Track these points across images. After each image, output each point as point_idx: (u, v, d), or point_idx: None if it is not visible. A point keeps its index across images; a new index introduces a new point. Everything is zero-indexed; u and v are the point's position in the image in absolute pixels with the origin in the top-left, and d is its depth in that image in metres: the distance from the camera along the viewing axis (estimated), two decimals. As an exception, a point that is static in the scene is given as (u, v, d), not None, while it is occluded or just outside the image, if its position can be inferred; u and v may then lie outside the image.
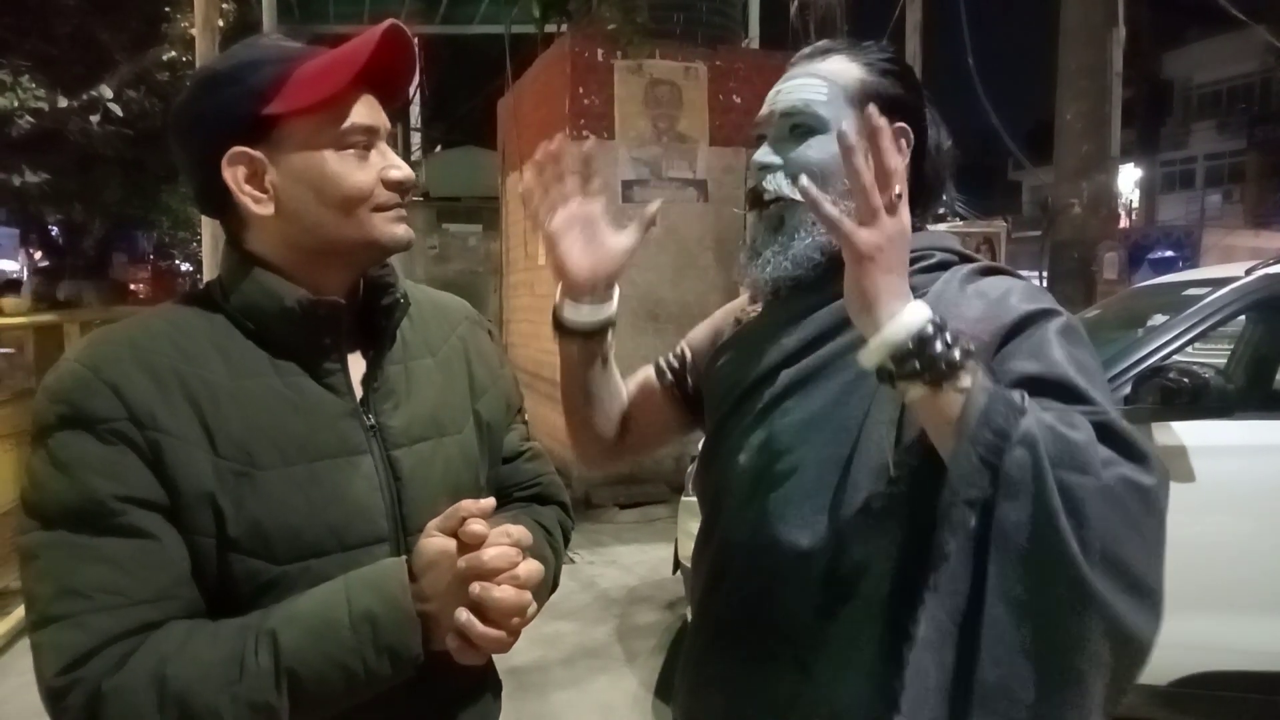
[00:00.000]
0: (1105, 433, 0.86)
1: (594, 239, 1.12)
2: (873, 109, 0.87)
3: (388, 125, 0.97)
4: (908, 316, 0.86)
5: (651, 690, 3.49)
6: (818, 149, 1.06)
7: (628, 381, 1.32)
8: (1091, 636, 0.82)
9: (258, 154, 0.92)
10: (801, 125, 1.07)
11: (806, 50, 1.14)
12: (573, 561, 4.93)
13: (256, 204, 0.93)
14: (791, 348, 1.08)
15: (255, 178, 0.92)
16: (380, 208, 0.95)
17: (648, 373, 1.32)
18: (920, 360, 0.85)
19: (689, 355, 1.29)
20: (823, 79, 1.08)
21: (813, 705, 1.00)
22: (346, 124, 0.92)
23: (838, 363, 1.04)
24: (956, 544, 0.85)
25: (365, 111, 0.94)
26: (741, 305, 1.26)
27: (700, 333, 1.31)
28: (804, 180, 0.87)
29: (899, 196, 0.85)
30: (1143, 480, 0.84)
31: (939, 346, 0.85)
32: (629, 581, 4.74)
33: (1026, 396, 0.86)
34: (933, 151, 1.12)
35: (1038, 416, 0.84)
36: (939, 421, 0.88)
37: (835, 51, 1.11)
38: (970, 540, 0.84)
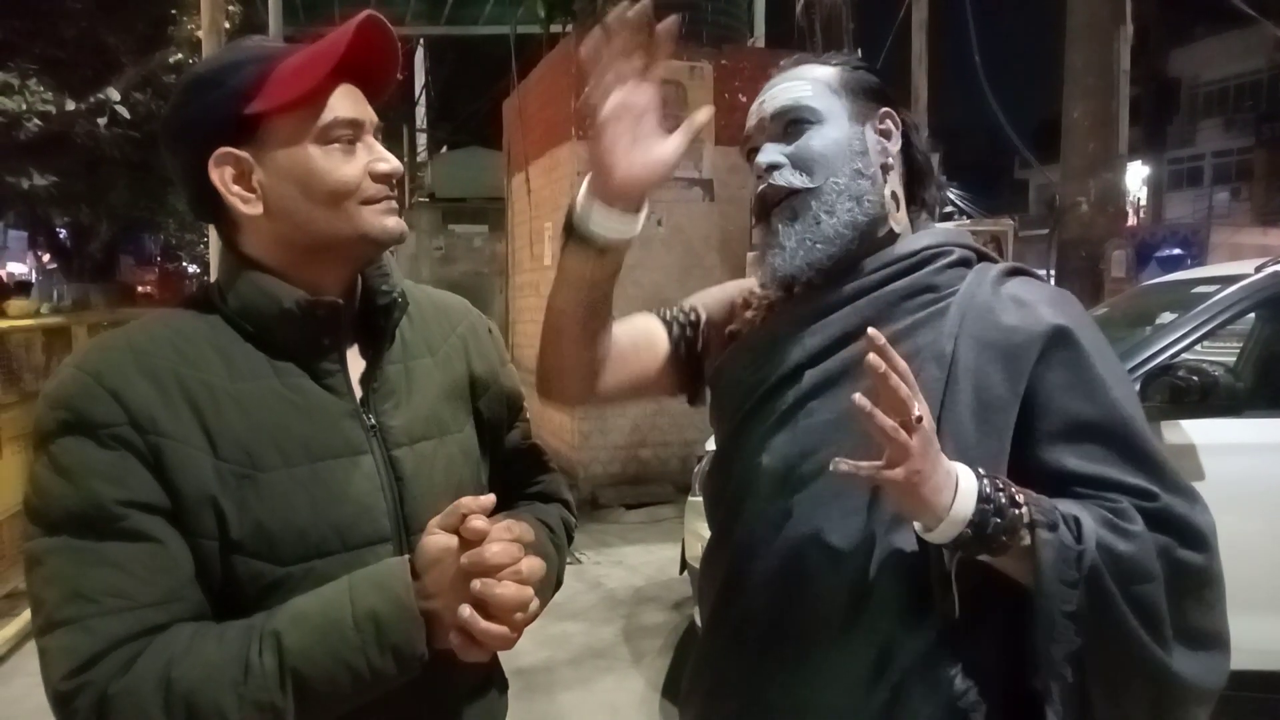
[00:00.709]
0: (1158, 520, 0.94)
1: (643, 135, 1.00)
2: (873, 338, 0.86)
3: (373, 118, 0.97)
4: (960, 509, 0.88)
5: (658, 691, 3.49)
6: (817, 138, 1.08)
7: (618, 323, 1.21)
8: (1186, 709, 0.96)
9: (243, 154, 0.92)
10: (797, 119, 1.09)
11: (781, 64, 1.17)
12: (579, 562, 4.93)
13: (245, 204, 0.93)
14: (815, 347, 1.07)
15: (242, 178, 0.92)
16: (369, 200, 0.94)
17: (647, 322, 1.23)
18: (980, 542, 0.89)
19: (702, 318, 1.24)
20: (804, 79, 1.11)
21: (836, 714, 0.99)
22: (328, 118, 0.92)
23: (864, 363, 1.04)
24: (1069, 670, 0.92)
25: (347, 105, 0.94)
26: (748, 288, 1.23)
27: (714, 302, 1.26)
28: (858, 397, 0.84)
29: (919, 419, 0.85)
30: (1195, 561, 0.94)
31: (993, 525, 0.89)
32: (635, 582, 4.74)
33: (1081, 523, 0.91)
34: (914, 135, 1.15)
35: (1095, 541, 0.90)
36: (1006, 566, 0.94)
37: (806, 62, 1.15)
38: (1071, 666, 0.92)
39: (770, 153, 1.09)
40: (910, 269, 1.07)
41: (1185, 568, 0.94)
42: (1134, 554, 0.91)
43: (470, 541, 0.85)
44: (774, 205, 1.09)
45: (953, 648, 0.96)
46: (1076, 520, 0.91)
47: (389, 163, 0.96)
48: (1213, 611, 0.97)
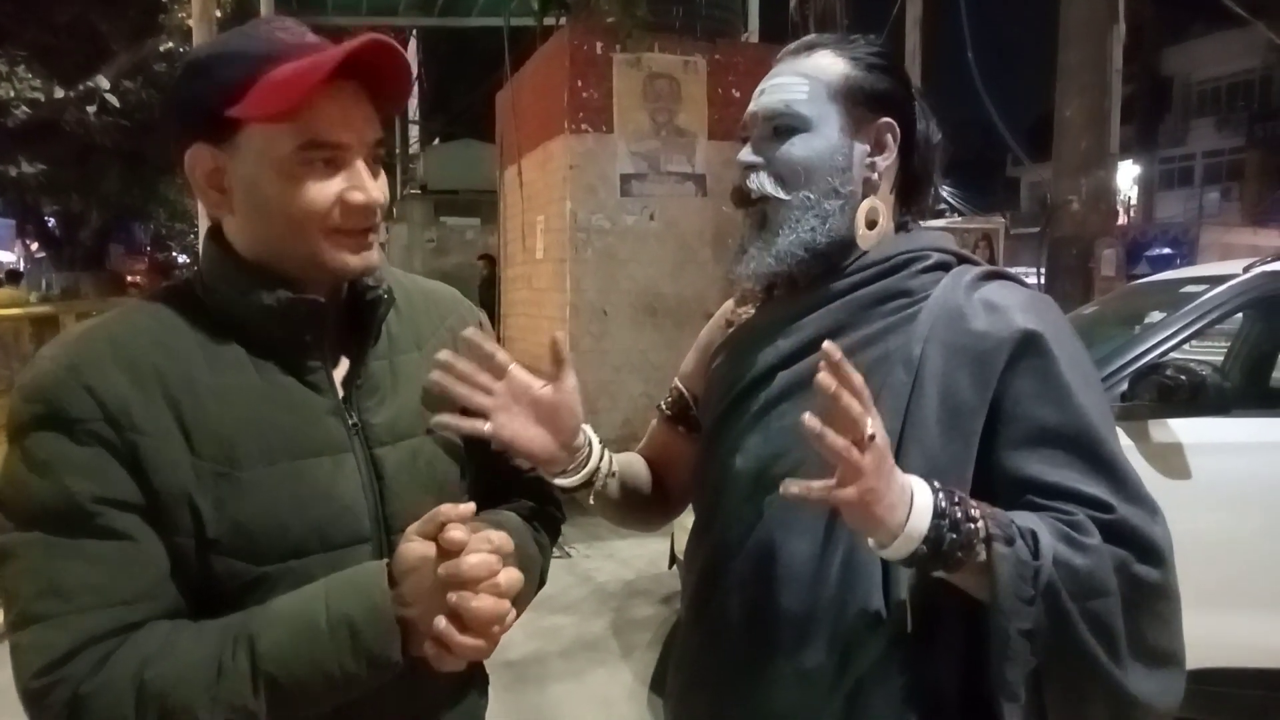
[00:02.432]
0: (1114, 532, 0.92)
1: (536, 404, 1.03)
2: (828, 354, 0.83)
3: (367, 139, 0.91)
4: (914, 526, 0.86)
5: (647, 684, 3.50)
6: (801, 147, 1.06)
7: (642, 449, 1.29)
8: None
9: (219, 153, 0.88)
10: (783, 125, 1.07)
11: (793, 45, 1.13)
12: (569, 555, 4.93)
13: (214, 205, 0.91)
14: (787, 350, 1.07)
15: (216, 175, 0.89)
16: (334, 232, 0.89)
17: (657, 431, 1.29)
18: (936, 558, 0.88)
19: (686, 392, 1.26)
20: (805, 77, 1.07)
21: (805, 711, 1.00)
22: (305, 138, 0.86)
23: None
24: (1023, 691, 0.91)
25: (336, 126, 0.87)
26: (728, 310, 1.25)
27: (690, 363, 1.28)
28: (807, 418, 0.82)
29: (871, 437, 0.83)
30: (1152, 576, 0.93)
31: (949, 541, 0.87)
32: (626, 575, 4.74)
33: (1039, 538, 0.89)
34: (921, 144, 1.12)
35: (1052, 556, 0.89)
36: (963, 582, 0.92)
37: (821, 47, 1.10)
38: (1026, 688, 0.91)
39: (749, 152, 1.10)
40: (885, 273, 1.06)
41: (1141, 583, 0.92)
42: (1090, 569, 0.89)
43: (448, 551, 0.84)
44: (747, 205, 1.10)
45: (911, 656, 0.96)
46: (1034, 535, 0.89)
47: (365, 194, 0.89)
48: (1169, 629, 0.96)
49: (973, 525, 0.88)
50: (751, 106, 1.11)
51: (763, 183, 1.07)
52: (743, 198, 1.10)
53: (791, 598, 1.00)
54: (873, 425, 0.84)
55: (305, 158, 0.87)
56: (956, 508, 0.88)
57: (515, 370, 1.03)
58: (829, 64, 1.08)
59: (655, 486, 1.25)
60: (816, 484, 0.84)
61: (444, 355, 0.99)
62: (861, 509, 0.84)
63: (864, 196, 1.08)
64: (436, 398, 1.02)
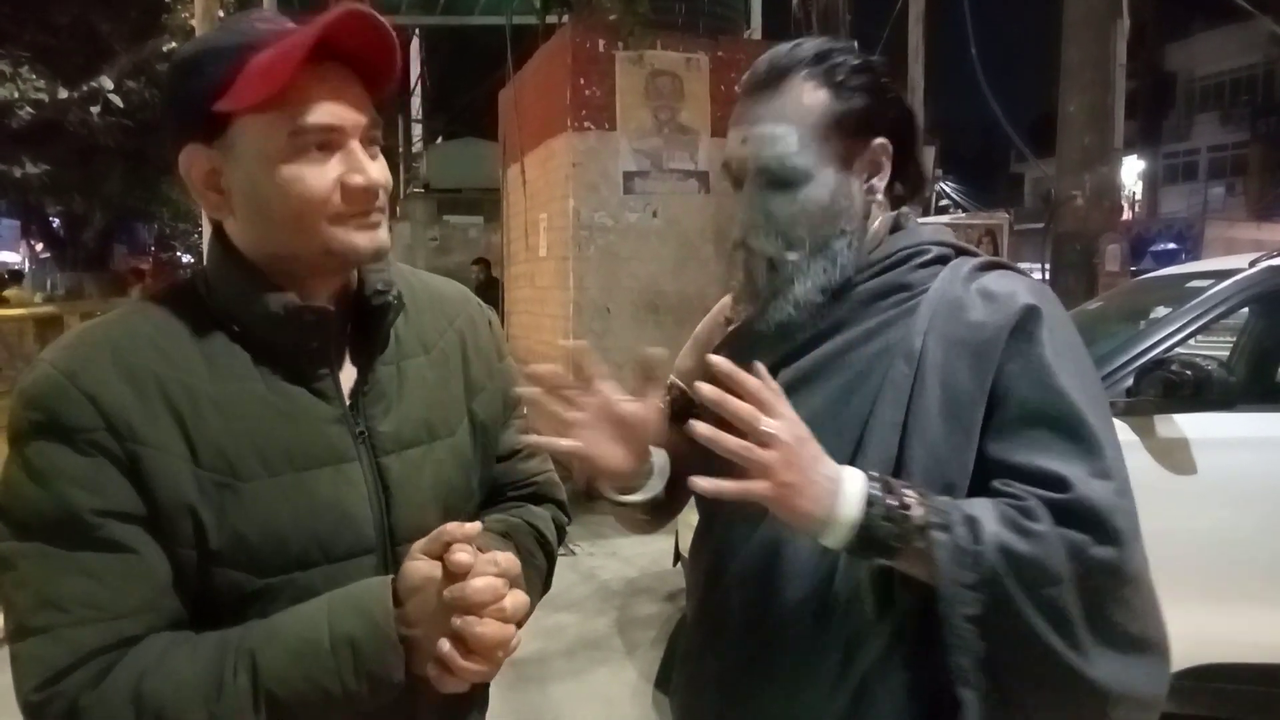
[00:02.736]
0: (1070, 512, 0.89)
1: (619, 421, 1.01)
2: (715, 365, 0.88)
3: (362, 121, 0.88)
4: (844, 516, 0.87)
5: (651, 681, 3.49)
6: (802, 203, 1.03)
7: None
8: (1113, 714, 0.91)
9: (212, 152, 0.86)
10: (779, 180, 1.03)
11: (759, 76, 1.06)
12: (573, 553, 4.93)
13: (214, 209, 0.89)
14: (784, 350, 1.07)
15: (212, 177, 0.87)
16: (339, 218, 0.87)
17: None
18: (871, 547, 0.89)
19: (684, 386, 1.23)
20: (790, 124, 1.02)
21: (809, 709, 0.99)
22: (299, 123, 0.83)
23: (837, 362, 1.03)
24: (982, 677, 0.90)
25: (326, 109, 0.85)
26: (724, 309, 1.24)
27: (687, 359, 1.26)
28: (698, 426, 0.86)
29: (768, 432, 0.86)
30: (1107, 558, 0.89)
31: (882, 529, 0.88)
32: (629, 573, 4.74)
33: (981, 525, 0.89)
34: (910, 141, 1.10)
35: (996, 544, 0.88)
36: (910, 570, 0.92)
37: (793, 72, 1.04)
38: (990, 671, 0.90)
39: (749, 210, 1.05)
40: (885, 269, 1.06)
41: (1099, 566, 0.89)
42: (1035, 555, 0.88)
43: (454, 574, 0.82)
44: (750, 252, 1.06)
45: (914, 652, 0.95)
46: (974, 520, 0.89)
47: (364, 175, 0.86)
48: (1134, 612, 0.93)
49: (907, 514, 0.88)
50: (735, 150, 1.06)
51: (766, 246, 1.04)
52: (748, 250, 1.06)
53: (794, 596, 1.00)
54: (775, 424, 0.86)
55: (298, 144, 0.84)
56: (890, 496, 0.88)
57: (605, 386, 1.01)
58: (810, 99, 1.03)
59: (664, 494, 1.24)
60: (726, 483, 0.86)
61: (541, 369, 0.98)
62: (779, 503, 0.87)
63: (865, 217, 1.07)
64: (445, 403, 1.01)
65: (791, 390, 1.04)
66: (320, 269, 0.91)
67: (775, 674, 1.01)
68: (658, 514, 1.20)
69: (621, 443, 1.02)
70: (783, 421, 0.87)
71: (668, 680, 3.42)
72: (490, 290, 8.84)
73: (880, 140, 1.06)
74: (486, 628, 0.82)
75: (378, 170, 0.89)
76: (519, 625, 0.87)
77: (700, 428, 0.85)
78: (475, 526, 0.85)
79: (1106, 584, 0.90)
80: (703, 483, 0.87)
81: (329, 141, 0.86)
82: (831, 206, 1.03)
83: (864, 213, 1.07)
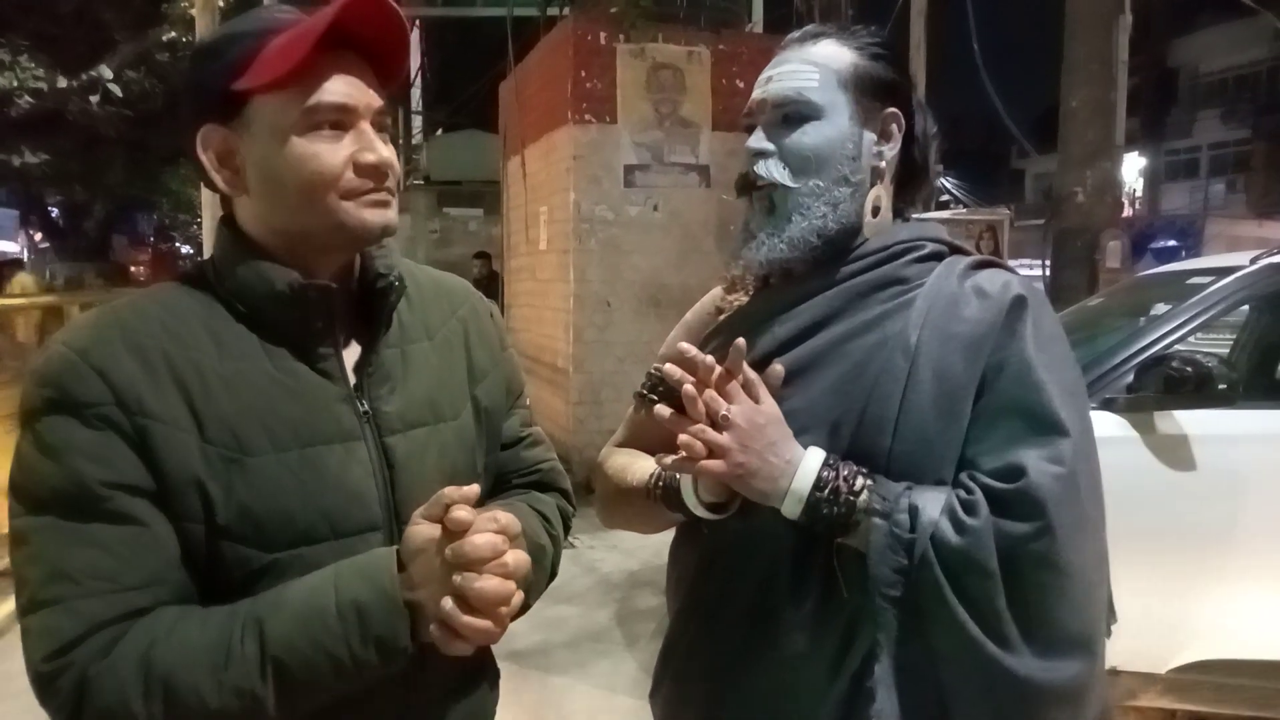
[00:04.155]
0: (1014, 503, 0.92)
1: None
2: (682, 351, 0.97)
3: (373, 103, 0.92)
4: (796, 493, 0.96)
5: (651, 674, 3.51)
6: (812, 135, 1.06)
7: (627, 440, 1.28)
8: (1032, 709, 0.93)
9: (229, 132, 0.90)
10: (794, 113, 1.07)
11: (797, 34, 1.13)
12: (574, 546, 4.94)
13: (228, 185, 0.92)
14: (785, 336, 1.07)
15: (228, 157, 0.91)
16: (350, 194, 0.90)
17: (636, 417, 1.24)
18: (819, 523, 0.97)
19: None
20: (814, 65, 1.08)
21: (807, 703, 1.00)
22: (312, 102, 0.87)
23: (834, 353, 1.04)
24: (903, 661, 0.95)
25: (338, 88, 0.89)
26: (716, 298, 1.24)
27: (674, 341, 1.24)
28: (657, 408, 0.97)
29: (725, 416, 0.95)
30: (1042, 550, 0.92)
31: (827, 509, 0.96)
32: (630, 566, 4.75)
33: (920, 513, 0.94)
34: (920, 136, 1.13)
35: (930, 533, 0.92)
36: (857, 547, 0.97)
37: (826, 36, 1.11)
38: (912, 650, 0.95)
39: (761, 139, 1.09)
40: (881, 262, 1.08)
41: (1033, 559, 0.92)
42: (966, 548, 0.91)
43: (454, 533, 0.83)
44: (754, 190, 1.10)
45: (913, 635, 0.96)
46: (915, 509, 0.94)
47: (376, 154, 0.90)
48: (1068, 606, 0.94)
49: (854, 498, 0.95)
50: (758, 93, 1.11)
51: (772, 170, 1.07)
52: (748, 184, 1.10)
53: (791, 588, 1.01)
54: (733, 410, 0.94)
55: (312, 122, 0.88)
56: (841, 480, 0.95)
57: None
58: (836, 53, 1.09)
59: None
60: (685, 461, 0.95)
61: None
62: (736, 481, 0.96)
63: (871, 185, 1.09)
64: (449, 387, 1.02)
65: (789, 379, 1.05)
66: (329, 246, 0.93)
67: (775, 659, 1.02)
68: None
69: None
70: (740, 407, 0.96)
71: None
72: (491, 284, 8.81)
73: (893, 109, 1.09)
74: (487, 583, 0.83)
75: (389, 151, 0.92)
76: (525, 594, 0.88)
77: (659, 409, 0.93)
78: (474, 489, 0.86)
79: (1040, 577, 0.92)
80: (666, 460, 0.96)
81: (342, 121, 0.89)
82: (839, 148, 1.06)
83: (871, 176, 1.09)
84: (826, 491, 0.95)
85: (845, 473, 0.96)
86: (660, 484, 1.10)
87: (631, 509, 1.19)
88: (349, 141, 0.90)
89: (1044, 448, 0.94)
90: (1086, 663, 0.95)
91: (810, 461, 0.97)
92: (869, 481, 0.96)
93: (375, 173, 0.91)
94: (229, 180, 0.92)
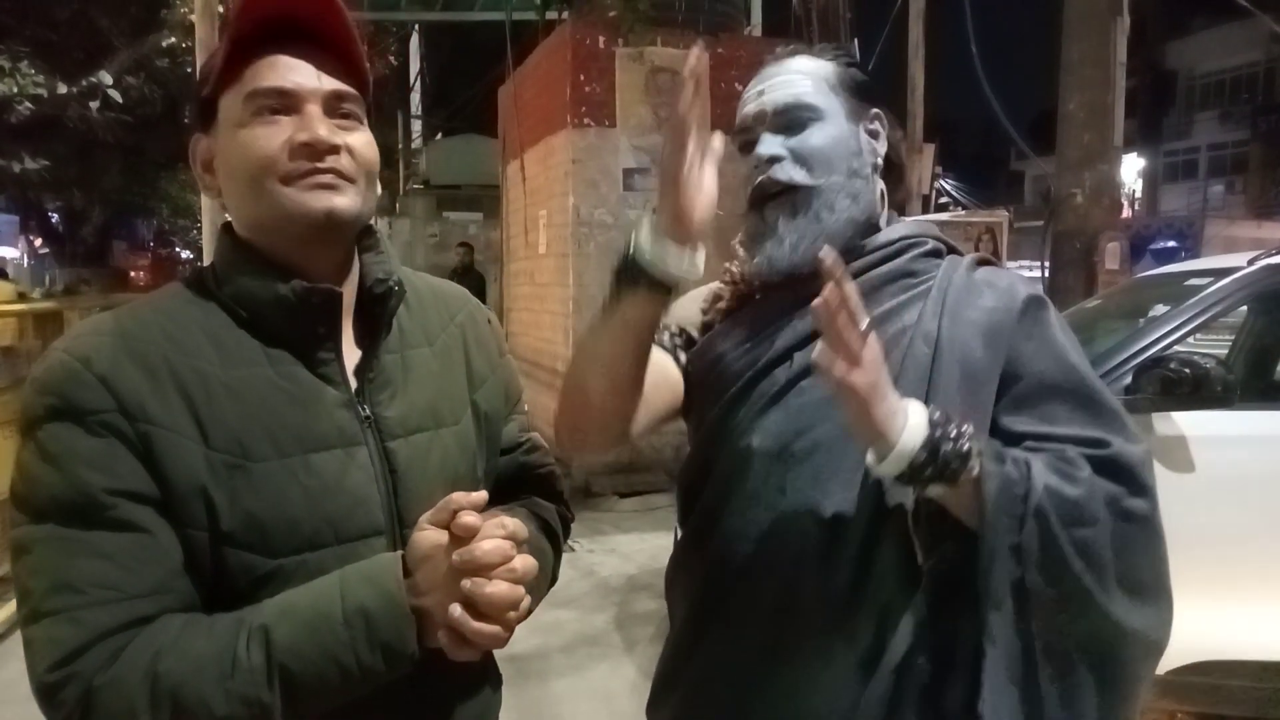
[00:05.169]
0: (1107, 466, 0.97)
1: (705, 174, 0.97)
2: (827, 257, 0.88)
3: (323, 88, 0.90)
4: (913, 433, 0.91)
5: (650, 678, 3.50)
6: (819, 134, 1.10)
7: None
8: (1129, 658, 0.98)
9: (211, 139, 0.94)
10: (797, 118, 1.10)
11: (772, 56, 1.17)
12: (572, 550, 4.93)
13: (207, 189, 0.95)
14: (804, 330, 1.08)
15: (209, 162, 0.95)
16: (288, 177, 0.88)
17: (656, 355, 1.14)
18: (935, 466, 0.91)
19: (693, 334, 1.22)
20: (802, 73, 1.12)
21: (836, 695, 0.99)
22: (248, 89, 0.89)
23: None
24: (1003, 610, 0.95)
25: (275, 74, 0.89)
26: (701, 297, 1.23)
27: (689, 312, 1.23)
28: (816, 354, 0.88)
29: (864, 333, 0.89)
30: (1141, 509, 0.97)
31: (946, 449, 0.91)
32: (628, 570, 4.75)
33: (1030, 465, 0.95)
34: (894, 140, 1.17)
35: (1043, 483, 0.94)
36: (959, 506, 0.96)
37: (800, 53, 1.16)
38: (1013, 601, 0.95)
39: (771, 145, 1.10)
40: (890, 256, 1.12)
41: (1132, 516, 0.97)
42: (1079, 498, 0.94)
43: (461, 538, 0.83)
44: (770, 198, 1.09)
45: (944, 627, 0.97)
46: (1026, 462, 0.95)
47: (309, 132, 0.88)
48: (1156, 562, 1.00)
49: (966, 441, 0.93)
50: (752, 106, 1.13)
51: (791, 172, 1.09)
52: (766, 190, 1.10)
53: (829, 571, 1.00)
54: (864, 321, 0.89)
55: (253, 108, 0.89)
56: (951, 424, 0.93)
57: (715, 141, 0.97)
58: (817, 65, 1.14)
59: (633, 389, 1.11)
60: (837, 362, 0.87)
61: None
62: (864, 404, 0.89)
63: (874, 176, 1.14)
64: (449, 392, 1.03)
65: (808, 372, 1.05)
66: (297, 239, 0.91)
67: (800, 664, 1.02)
68: (626, 399, 1.09)
69: (707, 193, 0.95)
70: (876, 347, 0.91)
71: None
72: (469, 275, 8.64)
73: (878, 110, 1.15)
74: (496, 588, 0.83)
75: (329, 129, 0.90)
76: (526, 615, 0.88)
77: (818, 303, 0.86)
78: (482, 495, 0.86)
79: (1135, 532, 0.97)
80: (817, 356, 0.88)
81: (284, 106, 0.89)
82: (845, 143, 1.10)
83: (873, 168, 1.14)
84: (941, 432, 0.91)
85: (950, 418, 0.94)
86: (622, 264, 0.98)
87: (585, 353, 1.07)
88: (289, 124, 0.89)
89: (1115, 425, 1.01)
90: (1169, 613, 1.01)
91: (915, 406, 0.93)
92: (973, 430, 0.94)
93: (309, 151, 0.88)
94: (208, 183, 0.95)
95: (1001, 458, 0.95)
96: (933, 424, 0.92)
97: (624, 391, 1.07)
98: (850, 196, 1.09)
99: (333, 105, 0.91)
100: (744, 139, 1.13)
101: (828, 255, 0.87)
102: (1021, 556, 0.93)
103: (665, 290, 0.97)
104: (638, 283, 0.95)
